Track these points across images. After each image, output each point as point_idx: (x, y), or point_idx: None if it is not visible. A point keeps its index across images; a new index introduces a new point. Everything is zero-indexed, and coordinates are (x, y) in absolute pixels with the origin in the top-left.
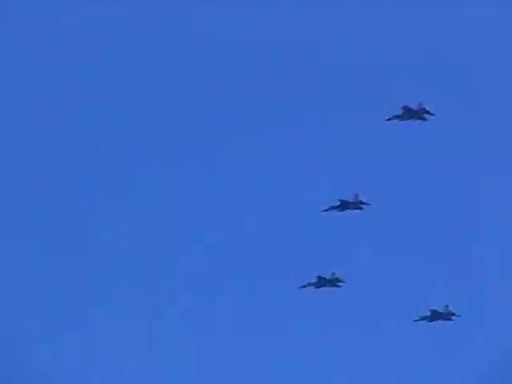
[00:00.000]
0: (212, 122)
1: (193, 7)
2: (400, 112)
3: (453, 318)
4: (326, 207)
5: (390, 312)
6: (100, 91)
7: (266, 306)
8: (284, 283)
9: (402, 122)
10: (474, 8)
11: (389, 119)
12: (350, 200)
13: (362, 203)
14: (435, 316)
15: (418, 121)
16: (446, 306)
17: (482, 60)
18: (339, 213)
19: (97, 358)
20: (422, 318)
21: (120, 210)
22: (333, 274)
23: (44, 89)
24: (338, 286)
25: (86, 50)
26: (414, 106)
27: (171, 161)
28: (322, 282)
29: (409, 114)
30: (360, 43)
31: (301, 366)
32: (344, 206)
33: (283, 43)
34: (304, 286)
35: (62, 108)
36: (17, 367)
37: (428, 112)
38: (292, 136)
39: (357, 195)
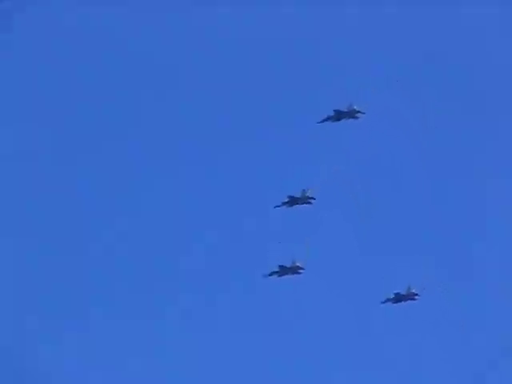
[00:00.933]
0: (212, 122)
1: (193, 7)
2: (332, 114)
3: (416, 297)
4: (278, 204)
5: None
6: (100, 91)
7: (266, 305)
8: (284, 283)
9: (334, 123)
10: (473, 8)
11: (321, 121)
12: (299, 196)
13: (311, 198)
14: (399, 298)
15: (350, 120)
16: (409, 288)
17: (481, 60)
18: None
19: (97, 358)
20: (387, 300)
21: (120, 210)
22: (293, 262)
23: (44, 89)
24: (299, 273)
25: (86, 50)
26: (344, 108)
27: (171, 161)
28: (283, 271)
29: (339, 115)
30: (360, 43)
31: (300, 366)
32: (293, 201)
33: (283, 43)
34: (268, 275)
35: (62, 108)
36: (17, 367)
37: (359, 111)
38: (292, 136)
39: (304, 191)
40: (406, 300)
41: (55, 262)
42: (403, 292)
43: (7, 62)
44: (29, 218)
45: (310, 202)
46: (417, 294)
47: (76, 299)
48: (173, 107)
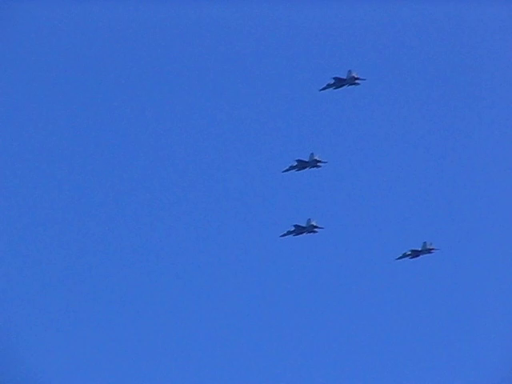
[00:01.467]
0: (212, 122)
1: (193, 7)
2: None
3: (432, 251)
4: (285, 167)
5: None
6: (100, 91)
7: (266, 305)
8: (284, 282)
9: (335, 90)
10: (474, 8)
11: (323, 88)
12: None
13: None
14: (416, 253)
15: (351, 86)
16: (425, 243)
17: (481, 60)
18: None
19: (97, 358)
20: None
21: (120, 210)
22: (308, 221)
23: (44, 88)
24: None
25: (85, 50)
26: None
27: (171, 160)
28: (299, 230)
29: (340, 82)
30: (360, 43)
31: (301, 365)
32: (301, 165)
33: (283, 43)
34: (284, 235)
35: (62, 108)
36: (17, 367)
37: (358, 78)
38: (292, 134)
39: (312, 154)
40: (423, 254)
41: (55, 262)
42: (419, 248)
43: (7, 61)
44: (28, 217)
45: (319, 166)
46: (433, 249)
47: (76, 299)
48: (173, 107)
